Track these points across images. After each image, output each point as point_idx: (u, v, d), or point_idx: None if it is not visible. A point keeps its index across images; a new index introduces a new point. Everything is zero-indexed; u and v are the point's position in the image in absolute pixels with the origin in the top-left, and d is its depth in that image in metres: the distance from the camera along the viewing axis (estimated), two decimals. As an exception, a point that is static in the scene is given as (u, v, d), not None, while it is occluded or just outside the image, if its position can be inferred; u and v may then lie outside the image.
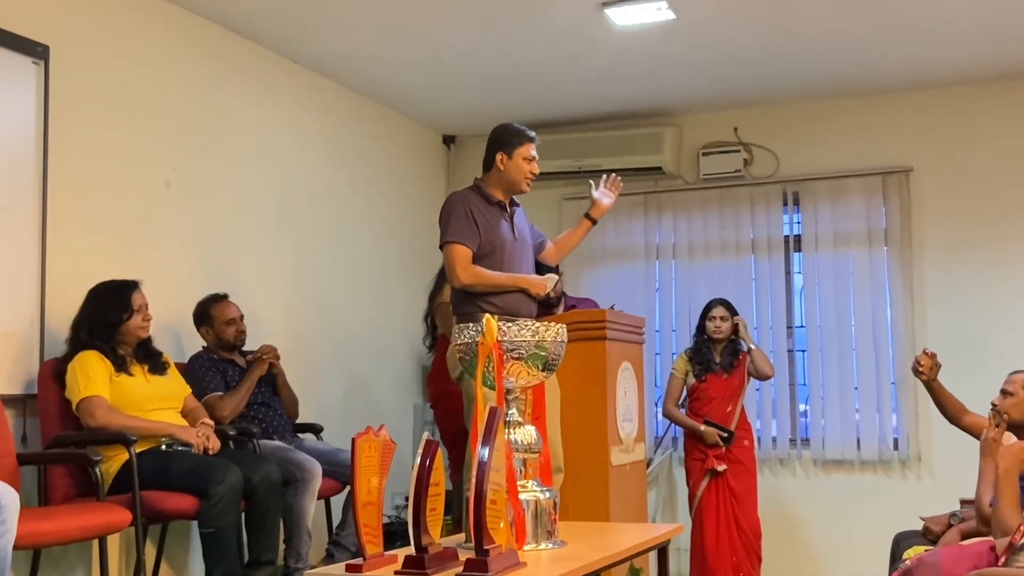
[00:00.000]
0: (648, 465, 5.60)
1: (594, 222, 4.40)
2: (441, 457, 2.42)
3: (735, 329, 5.47)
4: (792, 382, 6.30)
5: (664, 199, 6.57)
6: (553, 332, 2.73)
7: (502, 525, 2.38)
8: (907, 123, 6.10)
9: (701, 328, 5.52)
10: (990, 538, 3.09)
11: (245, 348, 4.67)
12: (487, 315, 2.70)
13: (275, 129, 5.38)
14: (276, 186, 5.35)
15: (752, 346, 5.48)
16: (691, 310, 6.25)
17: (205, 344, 4.57)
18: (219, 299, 4.58)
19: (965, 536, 3.49)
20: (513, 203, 4.12)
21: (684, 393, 5.54)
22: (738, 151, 6.35)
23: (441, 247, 3.98)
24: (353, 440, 2.35)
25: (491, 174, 4.05)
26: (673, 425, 5.98)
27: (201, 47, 4.86)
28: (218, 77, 4.97)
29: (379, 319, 6.13)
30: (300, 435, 4.81)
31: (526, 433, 2.74)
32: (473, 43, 5.25)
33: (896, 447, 5.98)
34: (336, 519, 4.77)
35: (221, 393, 4.41)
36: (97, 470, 3.59)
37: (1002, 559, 2.81)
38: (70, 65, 4.14)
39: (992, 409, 3.63)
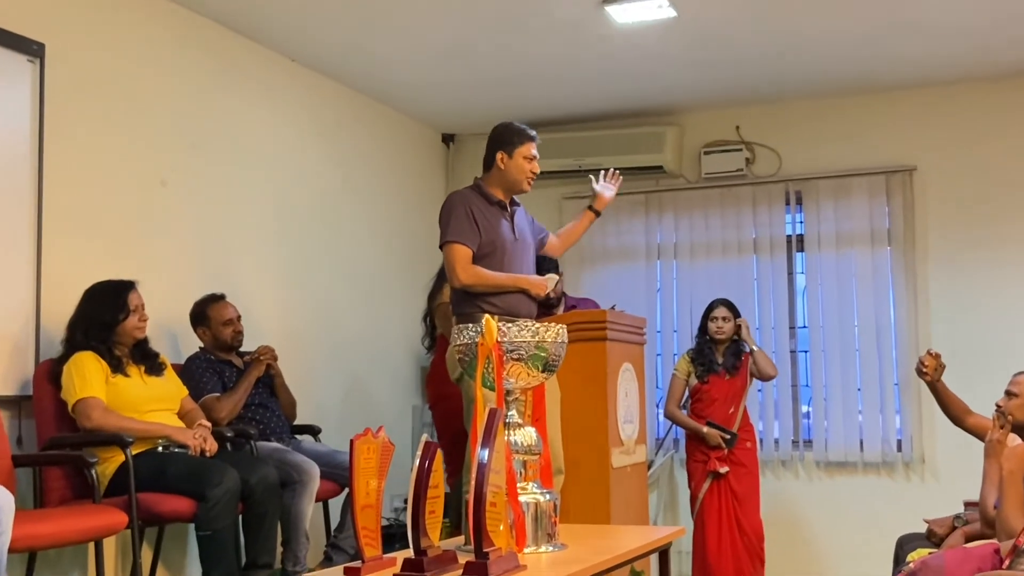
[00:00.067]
0: (649, 467, 5.58)
1: (597, 214, 4.41)
2: (440, 459, 2.40)
3: (737, 330, 5.44)
4: (794, 383, 6.28)
5: (665, 198, 6.55)
6: (553, 333, 2.72)
7: (502, 528, 2.37)
8: (911, 122, 6.08)
9: (703, 329, 5.50)
10: (994, 540, 3.08)
11: (242, 349, 4.65)
12: (487, 315, 2.69)
13: (272, 128, 5.35)
14: (274, 185, 5.33)
15: (754, 347, 5.45)
16: (692, 310, 6.23)
17: (202, 345, 4.55)
18: (216, 299, 4.56)
19: (969, 539, 3.48)
20: (514, 203, 4.10)
21: (686, 394, 5.51)
22: (740, 150, 6.33)
23: (441, 247, 3.96)
24: (351, 442, 2.33)
25: (491, 173, 4.04)
26: (674, 426, 5.97)
27: (198, 45, 4.84)
28: (215, 75, 4.94)
29: (378, 319, 6.11)
30: (298, 437, 4.79)
31: (526, 435, 2.73)
32: (473, 41, 5.23)
33: (899, 449, 5.96)
34: (334, 521, 4.75)
35: (218, 394, 4.39)
36: (93, 472, 3.56)
37: (1006, 561, 2.79)
38: (66, 63, 4.12)
39: (996, 410, 3.61)
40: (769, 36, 5.21)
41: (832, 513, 6.02)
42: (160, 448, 3.85)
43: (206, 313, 4.53)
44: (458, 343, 2.78)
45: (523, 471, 2.70)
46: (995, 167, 5.90)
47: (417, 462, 2.35)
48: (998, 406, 3.63)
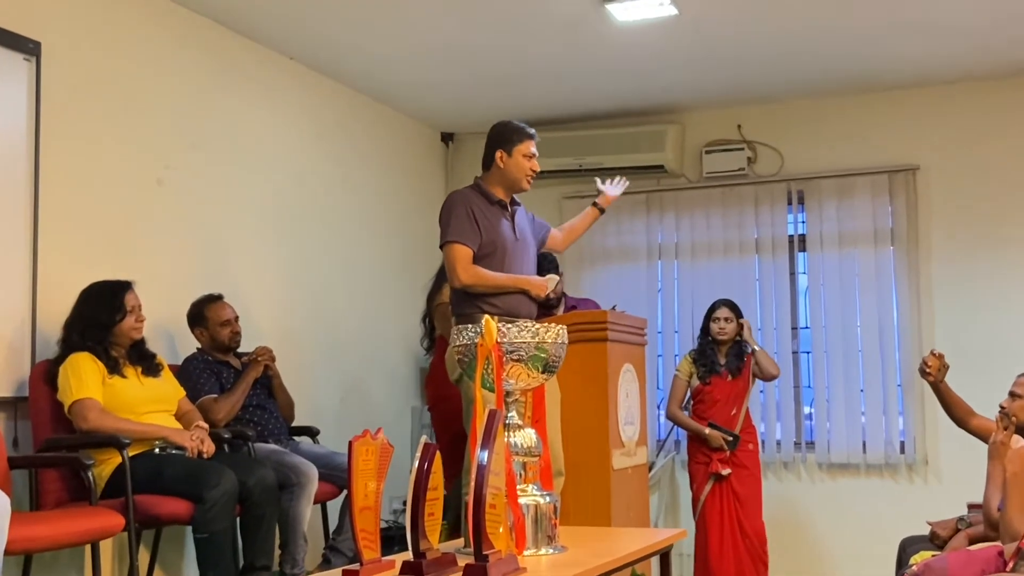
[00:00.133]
0: (650, 469, 5.56)
1: (602, 211, 4.43)
2: (440, 461, 2.38)
3: (740, 331, 5.42)
4: (797, 384, 6.26)
5: (666, 198, 6.53)
6: (553, 333, 2.71)
7: (501, 530, 2.36)
8: (914, 121, 6.06)
9: (705, 329, 5.47)
10: (998, 543, 3.07)
11: (240, 350, 4.63)
12: (486, 316, 2.68)
13: (270, 127, 5.33)
14: (271, 185, 5.31)
15: (756, 347, 5.43)
16: (694, 311, 6.21)
17: (199, 346, 4.53)
18: (214, 300, 4.54)
19: (973, 541, 3.49)
20: (514, 202, 4.09)
21: (687, 395, 5.49)
22: (742, 149, 6.31)
23: (441, 247, 3.96)
24: (350, 443, 2.32)
25: (491, 172, 4.03)
26: (675, 428, 5.94)
27: (195, 43, 4.82)
28: (212, 73, 4.92)
29: (376, 320, 6.09)
30: (296, 438, 4.78)
31: (526, 436, 2.72)
32: (472, 39, 5.21)
33: (903, 450, 5.94)
34: (333, 524, 4.73)
35: (216, 395, 4.38)
36: (89, 474, 3.54)
37: (1010, 564, 2.79)
38: (62, 62, 4.10)
39: (1000, 412, 3.61)
40: (771, 35, 5.19)
41: (834, 515, 6.00)
42: (157, 450, 3.83)
43: (204, 314, 4.51)
44: (457, 344, 2.77)
45: (523, 473, 2.69)
46: (998, 167, 5.88)
47: (416, 464, 2.33)
48: (1002, 407, 3.63)
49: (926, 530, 3.86)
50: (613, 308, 4.89)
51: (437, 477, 2.37)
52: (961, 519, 3.73)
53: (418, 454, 2.36)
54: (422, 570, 2.27)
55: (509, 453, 2.56)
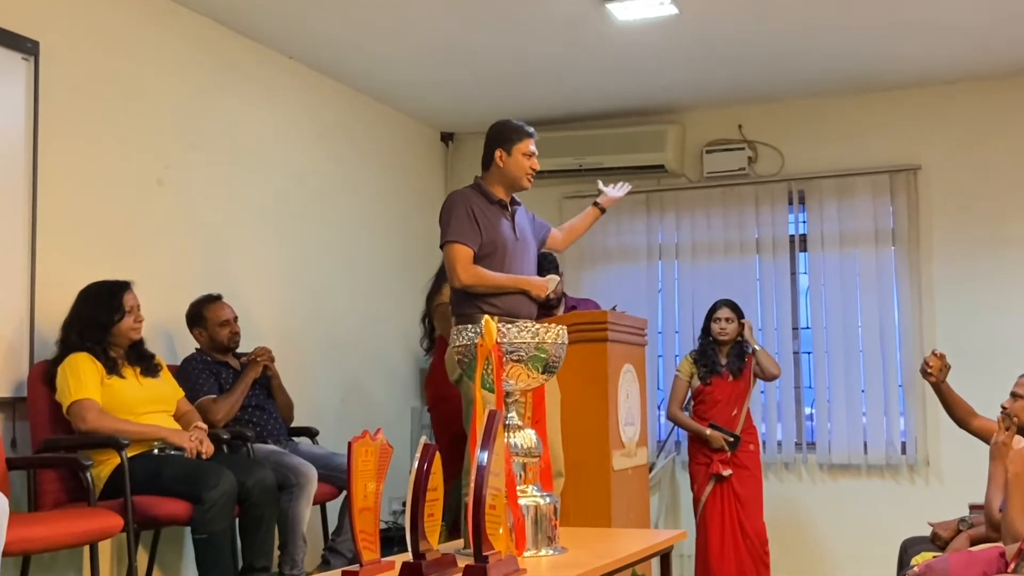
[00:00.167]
0: (651, 469, 5.55)
1: (602, 210, 4.43)
2: (440, 462, 2.37)
3: (740, 331, 5.41)
4: (798, 385, 6.25)
5: (667, 198, 6.52)
6: (553, 334, 2.70)
7: (501, 531, 2.36)
8: (915, 120, 6.05)
9: (706, 330, 5.47)
10: (1000, 544, 3.06)
11: (239, 350, 4.63)
12: (486, 316, 2.68)
13: (270, 126, 5.33)
14: (271, 184, 5.30)
15: (756, 347, 5.42)
16: (694, 311, 6.20)
17: (198, 346, 4.52)
18: (213, 300, 4.53)
19: (974, 542, 3.48)
20: (514, 202, 4.09)
21: (688, 396, 5.48)
22: (742, 149, 6.30)
23: (441, 247, 3.95)
24: (349, 444, 2.31)
25: (491, 172, 4.03)
26: (675, 428, 5.93)
27: (194, 43, 4.81)
28: (211, 73, 4.92)
29: (376, 320, 6.08)
30: (295, 439, 4.77)
31: (526, 437, 2.71)
32: (472, 38, 5.20)
33: (904, 451, 5.93)
34: (332, 525, 4.72)
35: (215, 396, 4.37)
36: (88, 475, 3.54)
37: (1012, 565, 2.78)
38: (61, 61, 4.09)
39: (1002, 412, 3.59)
40: (771, 34, 5.19)
41: (835, 516, 5.99)
42: (156, 450, 3.83)
43: (202, 314, 4.50)
44: (457, 344, 2.77)
45: (523, 474, 2.68)
46: (999, 167, 5.87)
47: (416, 464, 2.33)
48: (1003, 408, 3.62)
49: (927, 531, 3.85)
50: (613, 308, 4.88)
51: (437, 478, 2.36)
52: (962, 520, 3.72)
53: (418, 455, 2.35)
54: (422, 571, 2.26)
55: (509, 454, 2.56)
